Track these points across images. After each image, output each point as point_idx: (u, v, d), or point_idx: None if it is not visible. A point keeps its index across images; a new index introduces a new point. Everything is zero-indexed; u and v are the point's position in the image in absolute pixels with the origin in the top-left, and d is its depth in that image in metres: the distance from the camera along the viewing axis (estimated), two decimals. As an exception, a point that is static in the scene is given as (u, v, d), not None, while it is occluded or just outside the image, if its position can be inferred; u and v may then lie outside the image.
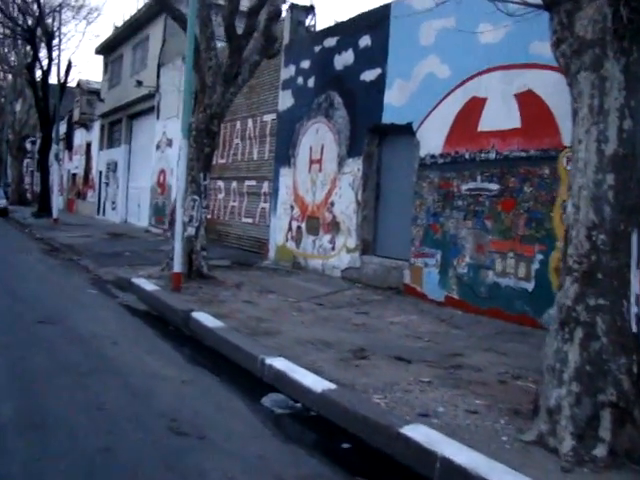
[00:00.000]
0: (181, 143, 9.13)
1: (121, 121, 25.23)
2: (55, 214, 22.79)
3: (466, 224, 8.42)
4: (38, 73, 27.46)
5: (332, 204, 11.10)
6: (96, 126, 29.34)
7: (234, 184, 15.42)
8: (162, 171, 19.50)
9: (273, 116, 13.84)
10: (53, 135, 25.57)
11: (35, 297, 8.72)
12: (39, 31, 26.02)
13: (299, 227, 12.04)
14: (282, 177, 12.72)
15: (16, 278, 10.31)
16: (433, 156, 9.03)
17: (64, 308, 7.95)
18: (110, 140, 27.38)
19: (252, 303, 8.39)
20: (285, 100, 12.80)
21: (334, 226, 11.00)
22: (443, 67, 8.98)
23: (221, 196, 16.15)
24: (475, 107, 8.39)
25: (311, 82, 11.98)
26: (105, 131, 27.84)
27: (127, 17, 23.80)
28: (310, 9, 13.16)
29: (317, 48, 11.86)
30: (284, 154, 12.67)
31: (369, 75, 10.41)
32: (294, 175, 12.30)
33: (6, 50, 34.47)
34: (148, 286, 9.06)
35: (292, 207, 12.30)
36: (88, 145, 31.15)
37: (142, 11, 21.66)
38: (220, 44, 11.01)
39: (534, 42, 7.28)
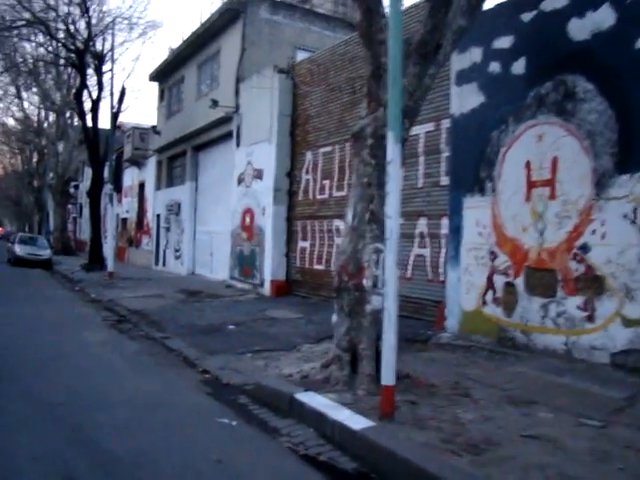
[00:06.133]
0: (390, 151, 5.08)
1: (184, 154, 21.40)
2: (110, 267, 19.18)
3: None
4: (87, 105, 24.01)
5: (584, 248, 7.00)
6: (150, 163, 25.62)
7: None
8: (248, 210, 15.54)
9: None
10: (105, 174, 22.03)
11: (144, 461, 4.20)
12: (88, 55, 22.69)
13: (510, 284, 7.92)
14: (467, 210, 8.64)
15: (91, 395, 5.94)
16: None
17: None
18: (170, 177, 23.55)
19: (542, 440, 4.45)
20: (466, 99, 8.80)
21: (591, 283, 6.88)
22: None
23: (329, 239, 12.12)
24: None
25: (519, 67, 8.00)
26: (163, 168, 24.03)
27: (186, 35, 20.36)
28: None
29: (527, 16, 7.92)
30: (469, 177, 8.63)
31: (658, 39, 6.43)
32: (494, 206, 8.23)
33: (47, 87, 31.47)
34: (335, 413, 4.93)
35: (493, 254, 8.20)
36: (141, 185, 27.37)
37: (211, 21, 18.11)
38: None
39: None
